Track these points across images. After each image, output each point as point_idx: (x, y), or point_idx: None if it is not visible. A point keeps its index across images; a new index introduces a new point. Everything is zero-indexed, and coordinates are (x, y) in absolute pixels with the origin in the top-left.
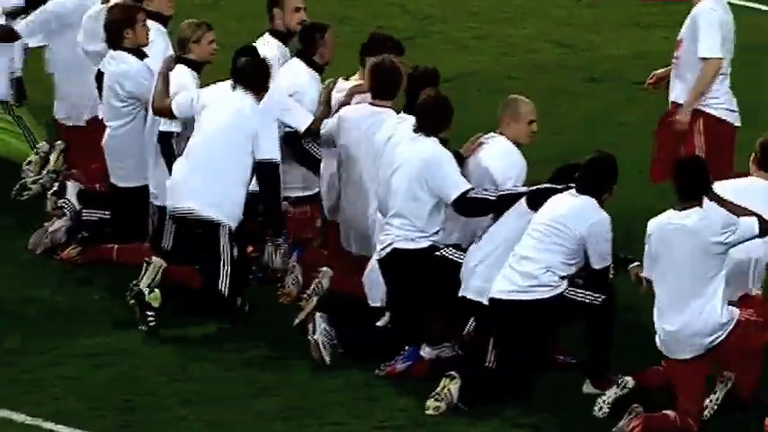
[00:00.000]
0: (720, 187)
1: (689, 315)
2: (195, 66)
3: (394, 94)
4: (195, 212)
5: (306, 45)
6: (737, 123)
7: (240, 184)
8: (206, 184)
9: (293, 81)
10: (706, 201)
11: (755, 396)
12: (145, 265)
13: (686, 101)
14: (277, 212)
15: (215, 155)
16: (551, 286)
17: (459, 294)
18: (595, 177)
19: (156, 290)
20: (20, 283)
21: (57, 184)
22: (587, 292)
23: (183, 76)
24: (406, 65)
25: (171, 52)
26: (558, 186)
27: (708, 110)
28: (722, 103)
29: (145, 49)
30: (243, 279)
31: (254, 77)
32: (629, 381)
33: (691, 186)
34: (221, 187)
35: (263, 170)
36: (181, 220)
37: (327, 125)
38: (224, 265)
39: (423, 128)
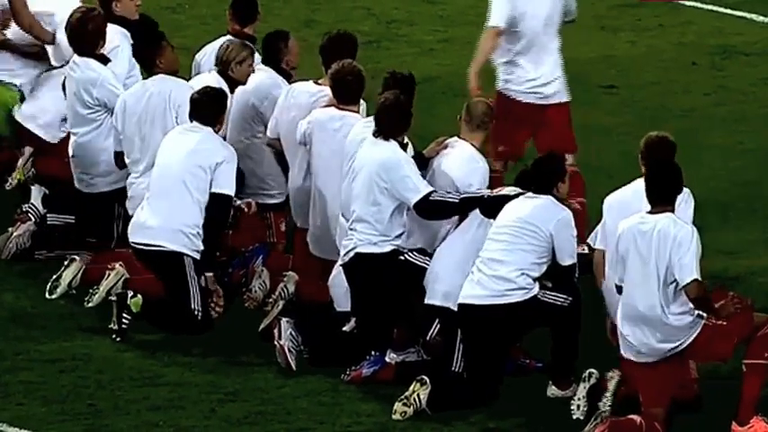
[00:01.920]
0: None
1: (655, 318)
2: (233, 84)
3: (357, 98)
4: (159, 247)
5: (270, 54)
6: (528, 100)
7: (201, 214)
8: (167, 219)
9: (264, 92)
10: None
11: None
12: (107, 272)
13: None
14: (216, 244)
15: (175, 189)
16: (526, 289)
17: (426, 302)
18: (548, 175)
19: (139, 295)
20: None
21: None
22: (555, 294)
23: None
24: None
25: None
26: (512, 193)
27: (498, 87)
28: (507, 81)
29: (108, 54)
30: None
31: (209, 111)
32: (594, 372)
33: (664, 191)
34: (182, 221)
35: (216, 202)
36: (142, 254)
37: (299, 129)
38: (193, 290)
39: (381, 131)
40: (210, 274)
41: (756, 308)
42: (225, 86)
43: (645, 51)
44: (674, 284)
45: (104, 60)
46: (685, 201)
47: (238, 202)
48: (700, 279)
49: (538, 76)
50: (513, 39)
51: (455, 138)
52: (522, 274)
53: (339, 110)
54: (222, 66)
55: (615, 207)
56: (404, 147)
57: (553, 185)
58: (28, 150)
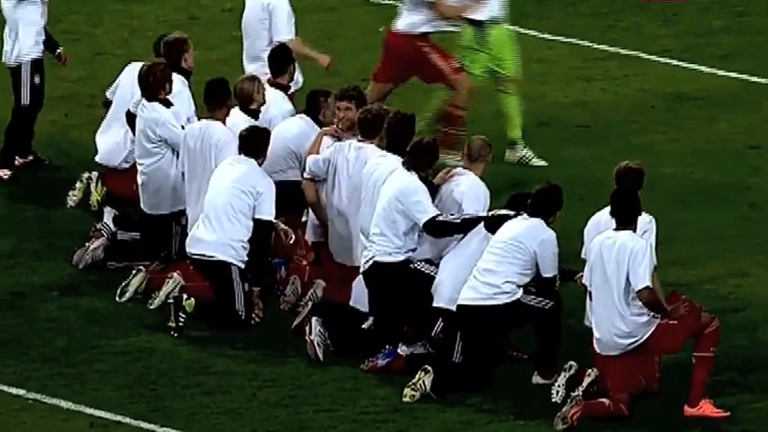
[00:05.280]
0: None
1: (617, 317)
2: (255, 114)
3: (376, 134)
4: (211, 257)
5: (311, 106)
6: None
7: (246, 232)
8: (217, 235)
9: (303, 138)
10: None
11: (659, 384)
12: (166, 279)
13: None
14: (263, 264)
15: (223, 210)
16: (510, 293)
17: (434, 305)
18: (544, 203)
19: (192, 299)
20: (63, 292)
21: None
22: (538, 298)
23: (241, 122)
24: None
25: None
26: (511, 213)
27: None
28: None
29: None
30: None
31: (255, 146)
32: (573, 364)
33: (624, 214)
34: (230, 236)
35: (259, 228)
36: (198, 263)
37: (319, 162)
38: (238, 294)
39: (408, 163)
40: (257, 288)
41: (703, 310)
42: (250, 119)
43: (613, 97)
44: (632, 290)
45: (167, 104)
46: (650, 230)
47: (281, 226)
48: (651, 287)
49: None
50: None
51: (460, 168)
52: (508, 282)
53: (358, 142)
54: (243, 101)
55: (594, 226)
56: (423, 179)
57: (551, 214)
58: (95, 174)
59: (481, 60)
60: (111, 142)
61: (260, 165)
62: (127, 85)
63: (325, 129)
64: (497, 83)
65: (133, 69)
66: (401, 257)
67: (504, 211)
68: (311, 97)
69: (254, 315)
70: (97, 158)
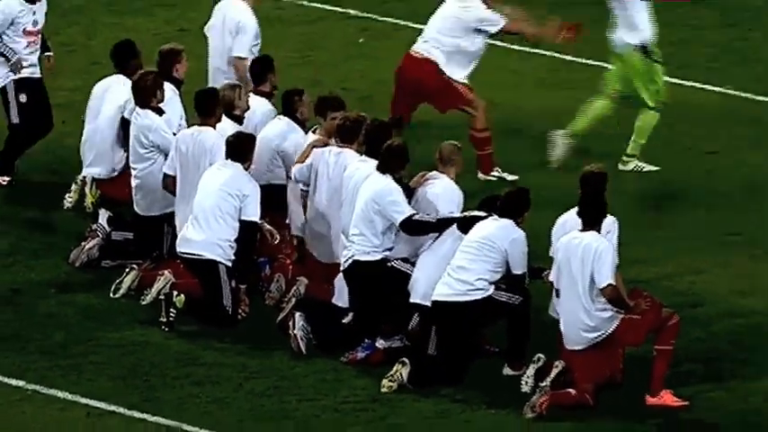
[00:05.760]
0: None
1: (582, 312)
2: (239, 119)
3: (354, 139)
4: (200, 256)
5: (287, 106)
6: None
7: (233, 232)
8: (206, 235)
9: (282, 136)
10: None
11: (622, 375)
12: (157, 277)
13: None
14: (249, 263)
15: (212, 212)
16: (483, 290)
17: (411, 301)
18: (513, 205)
19: (182, 295)
20: (60, 289)
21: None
22: (509, 294)
23: (228, 128)
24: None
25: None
26: (483, 214)
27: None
28: None
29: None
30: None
31: (240, 151)
32: (542, 357)
33: (591, 216)
34: (218, 236)
35: (245, 228)
36: (187, 261)
37: (303, 168)
38: (225, 291)
39: (382, 167)
40: (243, 286)
41: (663, 305)
42: (236, 125)
43: (577, 104)
44: (596, 287)
45: (159, 111)
46: (613, 230)
47: (267, 227)
48: (614, 284)
49: None
50: None
51: (434, 172)
52: (480, 279)
53: (338, 147)
54: (227, 107)
55: (560, 227)
56: (399, 181)
57: (520, 215)
58: (89, 178)
59: (654, 81)
60: (95, 156)
61: (246, 169)
62: (99, 96)
63: (314, 140)
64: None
65: (98, 88)
66: (379, 256)
67: (476, 213)
68: (286, 98)
69: (240, 311)
70: (85, 172)
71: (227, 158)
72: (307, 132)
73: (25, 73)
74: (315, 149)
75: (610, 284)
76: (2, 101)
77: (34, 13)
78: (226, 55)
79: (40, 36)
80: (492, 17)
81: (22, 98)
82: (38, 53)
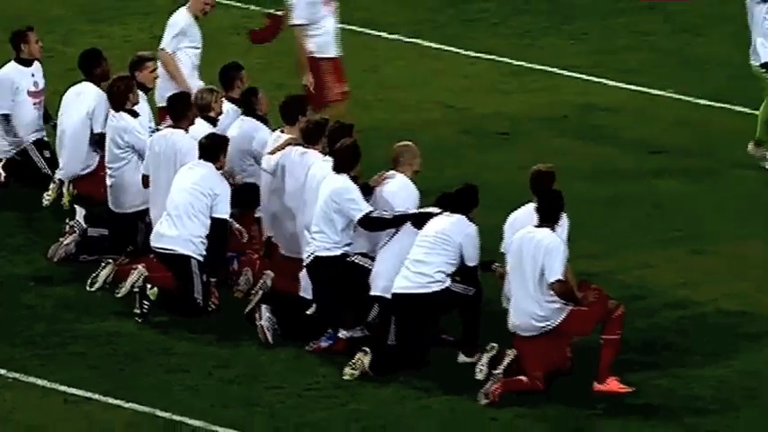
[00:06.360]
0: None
1: (531, 303)
2: (214, 121)
3: (318, 140)
4: (173, 251)
5: (247, 106)
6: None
7: (204, 229)
8: (179, 231)
9: (249, 134)
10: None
11: (571, 363)
12: (131, 271)
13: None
14: (220, 257)
15: (184, 209)
16: (441, 282)
17: (371, 293)
18: (463, 201)
19: (155, 288)
20: (40, 283)
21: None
22: (463, 286)
23: (202, 130)
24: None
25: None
26: (437, 210)
27: None
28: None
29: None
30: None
31: (212, 152)
32: (495, 345)
33: (547, 213)
34: (190, 232)
35: (216, 225)
36: (161, 256)
37: (270, 162)
38: (196, 284)
39: (337, 167)
40: (214, 279)
41: (610, 297)
42: (210, 126)
43: (529, 107)
44: (546, 280)
45: (134, 114)
46: (564, 226)
47: (236, 225)
48: (563, 279)
49: None
50: None
51: (392, 171)
52: (438, 271)
53: (303, 148)
54: (202, 110)
55: (512, 223)
56: (355, 179)
57: (469, 210)
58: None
59: None
60: (67, 158)
61: (218, 169)
62: (70, 105)
63: (290, 138)
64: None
65: (70, 92)
66: (339, 252)
67: (429, 209)
68: (244, 97)
69: (210, 302)
70: (60, 176)
71: (199, 159)
72: (273, 131)
73: (38, 135)
74: (287, 147)
75: (559, 280)
76: (24, 162)
77: (32, 74)
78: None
79: (43, 96)
80: None
81: (47, 154)
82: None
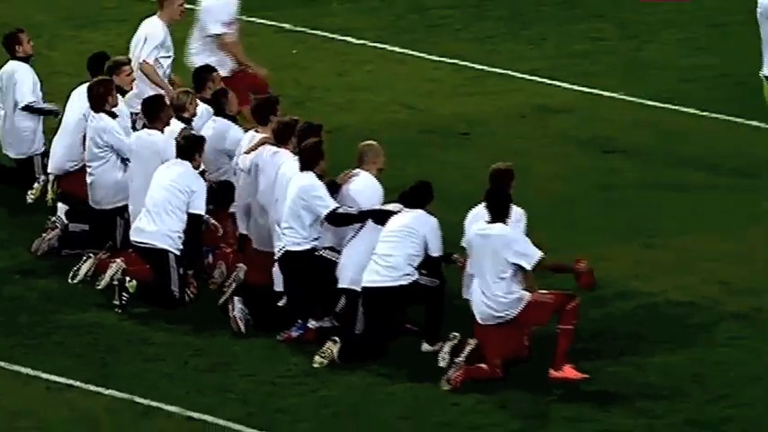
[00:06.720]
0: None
1: (491, 295)
2: (188, 122)
3: (287, 140)
4: (151, 245)
5: (217, 106)
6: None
7: (181, 224)
8: (157, 226)
9: (222, 133)
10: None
11: (529, 352)
12: (111, 264)
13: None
14: (196, 251)
15: (162, 205)
16: (410, 275)
17: (339, 286)
18: (419, 196)
19: (134, 281)
20: (24, 275)
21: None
22: (429, 279)
23: (178, 130)
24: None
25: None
26: (398, 207)
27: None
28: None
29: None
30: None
31: (188, 151)
32: (456, 335)
33: (497, 209)
34: (168, 227)
35: (192, 220)
36: (140, 250)
37: (244, 161)
38: (173, 277)
39: (302, 165)
40: (191, 271)
41: (567, 288)
42: (183, 126)
43: (489, 109)
44: (508, 271)
45: (113, 115)
46: (522, 220)
47: (212, 220)
48: (542, 255)
49: None
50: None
51: (357, 169)
52: (407, 264)
53: (275, 147)
54: (178, 110)
55: (472, 219)
56: (321, 177)
57: (425, 204)
58: (51, 176)
59: None
60: (60, 151)
61: (195, 167)
62: (74, 101)
63: (263, 138)
64: None
65: (74, 93)
66: (308, 246)
67: (391, 206)
68: (214, 98)
69: (189, 292)
70: (49, 168)
71: (177, 157)
72: (247, 131)
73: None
74: (260, 147)
75: (541, 257)
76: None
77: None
78: (136, 63)
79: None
80: None
81: (46, 161)
82: None
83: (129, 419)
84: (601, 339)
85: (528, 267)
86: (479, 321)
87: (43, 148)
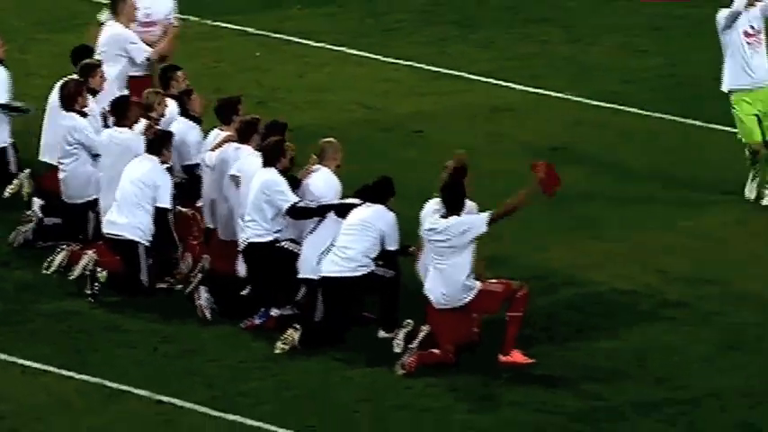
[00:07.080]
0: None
1: (445, 282)
2: (156, 122)
3: (250, 137)
4: (121, 236)
5: (181, 106)
6: None
7: (149, 216)
8: (127, 218)
9: (182, 134)
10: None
11: (479, 338)
12: (83, 255)
13: None
14: (166, 245)
15: (131, 199)
16: (366, 266)
17: (299, 276)
18: (380, 192)
19: (105, 271)
20: (0, 266)
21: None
22: (384, 269)
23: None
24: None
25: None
26: (357, 201)
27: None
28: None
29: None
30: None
31: (156, 147)
32: (410, 322)
33: (452, 202)
34: (137, 220)
35: (158, 214)
36: (111, 241)
37: (209, 157)
38: (143, 267)
39: (265, 161)
40: (175, 263)
41: (515, 278)
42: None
43: (443, 108)
44: (460, 259)
45: (83, 114)
46: (471, 212)
47: (184, 210)
48: (492, 214)
49: None
50: None
51: (317, 165)
52: (364, 256)
53: (239, 144)
54: (147, 109)
55: (427, 211)
56: (284, 173)
57: (386, 200)
58: (27, 171)
59: None
60: (49, 142)
61: (162, 162)
62: (52, 99)
63: (227, 136)
64: None
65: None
66: (270, 238)
67: (351, 200)
68: (179, 98)
69: (172, 281)
70: (40, 157)
71: (146, 152)
72: (212, 129)
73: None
74: (224, 144)
75: (489, 215)
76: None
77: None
78: (105, 66)
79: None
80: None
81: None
82: None
83: (100, 402)
84: (547, 326)
85: (485, 228)
86: (435, 306)
87: (11, 140)
